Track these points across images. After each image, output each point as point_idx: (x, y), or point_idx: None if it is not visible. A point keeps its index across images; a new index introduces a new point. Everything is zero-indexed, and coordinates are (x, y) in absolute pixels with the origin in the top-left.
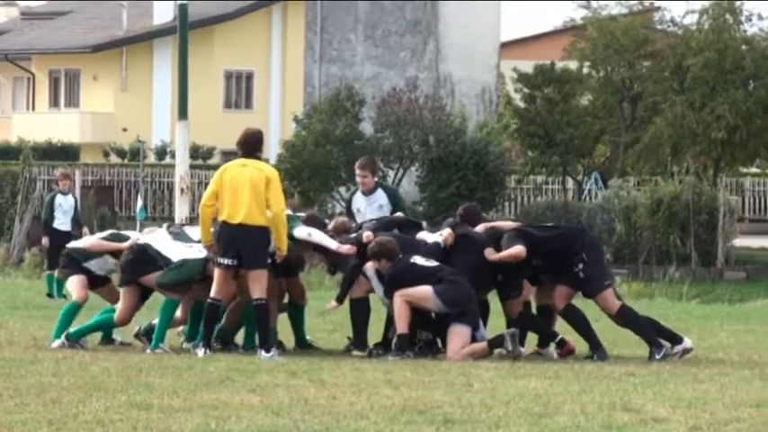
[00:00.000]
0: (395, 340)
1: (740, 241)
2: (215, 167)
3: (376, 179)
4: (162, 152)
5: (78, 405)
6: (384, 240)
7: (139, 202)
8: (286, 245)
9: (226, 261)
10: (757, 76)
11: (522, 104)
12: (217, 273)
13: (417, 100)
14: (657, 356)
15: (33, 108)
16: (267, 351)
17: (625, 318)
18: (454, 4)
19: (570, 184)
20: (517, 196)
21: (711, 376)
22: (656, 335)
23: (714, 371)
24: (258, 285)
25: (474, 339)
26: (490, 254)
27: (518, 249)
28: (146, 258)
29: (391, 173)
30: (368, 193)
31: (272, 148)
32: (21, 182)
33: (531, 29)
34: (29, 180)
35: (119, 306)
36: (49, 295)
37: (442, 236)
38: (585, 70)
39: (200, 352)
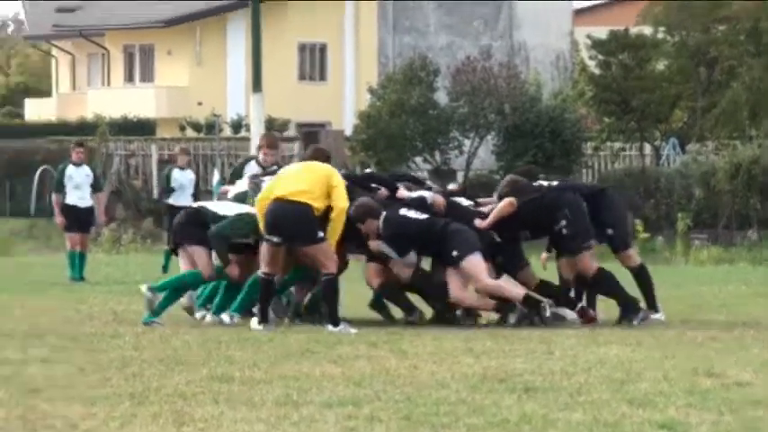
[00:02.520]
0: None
1: None
2: (291, 140)
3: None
4: (237, 125)
5: (160, 378)
6: (361, 202)
7: (216, 176)
8: (337, 239)
9: (273, 238)
10: None
11: (596, 71)
12: (265, 247)
13: (492, 68)
14: (635, 322)
15: (108, 84)
16: (335, 325)
17: (599, 282)
18: None
19: (647, 149)
20: (594, 163)
21: None
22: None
23: None
24: (323, 259)
25: None
26: (480, 223)
27: (505, 202)
28: (199, 221)
29: (467, 142)
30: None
31: (348, 119)
32: (98, 157)
33: None
34: (106, 156)
35: (199, 267)
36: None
37: (429, 196)
38: (660, 35)
39: (256, 325)
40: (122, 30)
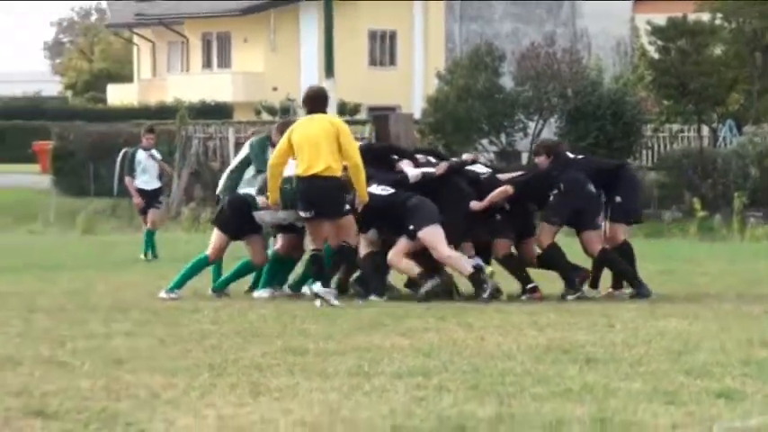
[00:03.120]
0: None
1: None
2: (362, 122)
3: None
4: None
5: (237, 351)
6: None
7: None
8: (366, 191)
9: (307, 214)
10: None
11: (656, 56)
12: (308, 226)
13: (555, 54)
14: (570, 297)
15: (187, 70)
16: (324, 287)
17: (549, 255)
18: None
19: (705, 131)
20: (654, 144)
21: None
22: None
23: None
24: (346, 232)
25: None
26: (475, 205)
27: (500, 190)
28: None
29: (531, 124)
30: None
31: (417, 103)
32: (177, 140)
33: None
34: (185, 138)
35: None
36: None
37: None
38: (717, 22)
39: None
40: (201, 18)
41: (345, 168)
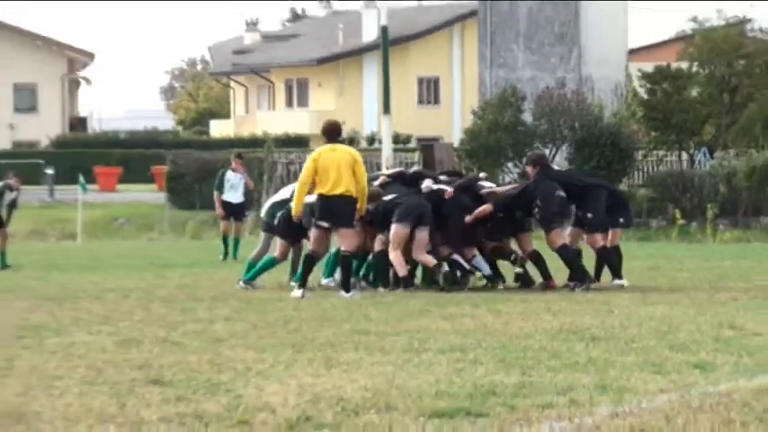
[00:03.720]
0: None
1: None
2: (412, 150)
3: None
4: (371, 139)
5: (314, 332)
6: (371, 189)
7: None
8: (365, 207)
9: (324, 224)
10: None
11: (645, 96)
12: (316, 232)
13: (565, 95)
14: (577, 289)
15: (273, 108)
16: (347, 291)
17: (534, 256)
18: (592, 19)
19: (684, 156)
20: (644, 167)
21: None
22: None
23: None
24: (348, 240)
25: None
26: (468, 218)
27: (483, 208)
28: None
29: (547, 151)
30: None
31: (456, 134)
32: (265, 165)
33: (651, 39)
34: (271, 163)
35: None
36: None
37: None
38: (694, 69)
39: (349, 295)
40: (284, 67)
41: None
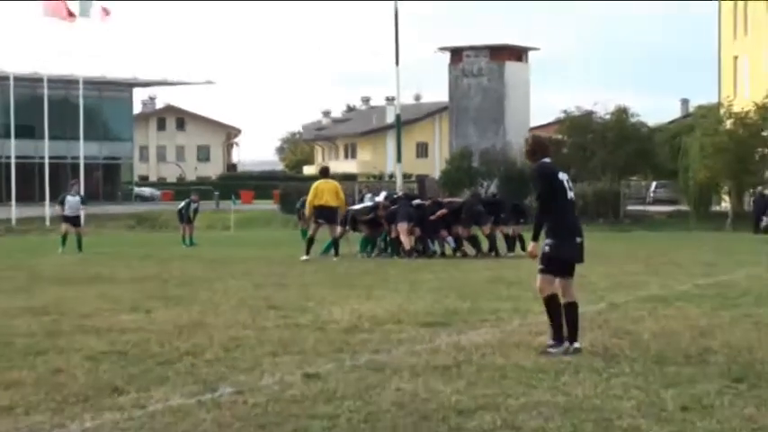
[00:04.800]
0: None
1: None
2: (413, 181)
3: None
4: (390, 176)
5: (358, 280)
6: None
7: (378, 197)
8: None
9: (322, 221)
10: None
11: None
12: (315, 226)
13: (496, 151)
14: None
15: (337, 159)
16: (336, 256)
17: (472, 239)
18: (510, 110)
19: None
20: None
21: None
22: None
23: None
24: (333, 230)
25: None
26: (433, 217)
27: (442, 211)
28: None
29: (486, 182)
30: None
31: (437, 174)
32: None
33: (542, 120)
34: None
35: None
36: None
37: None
38: (565, 138)
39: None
40: (343, 137)
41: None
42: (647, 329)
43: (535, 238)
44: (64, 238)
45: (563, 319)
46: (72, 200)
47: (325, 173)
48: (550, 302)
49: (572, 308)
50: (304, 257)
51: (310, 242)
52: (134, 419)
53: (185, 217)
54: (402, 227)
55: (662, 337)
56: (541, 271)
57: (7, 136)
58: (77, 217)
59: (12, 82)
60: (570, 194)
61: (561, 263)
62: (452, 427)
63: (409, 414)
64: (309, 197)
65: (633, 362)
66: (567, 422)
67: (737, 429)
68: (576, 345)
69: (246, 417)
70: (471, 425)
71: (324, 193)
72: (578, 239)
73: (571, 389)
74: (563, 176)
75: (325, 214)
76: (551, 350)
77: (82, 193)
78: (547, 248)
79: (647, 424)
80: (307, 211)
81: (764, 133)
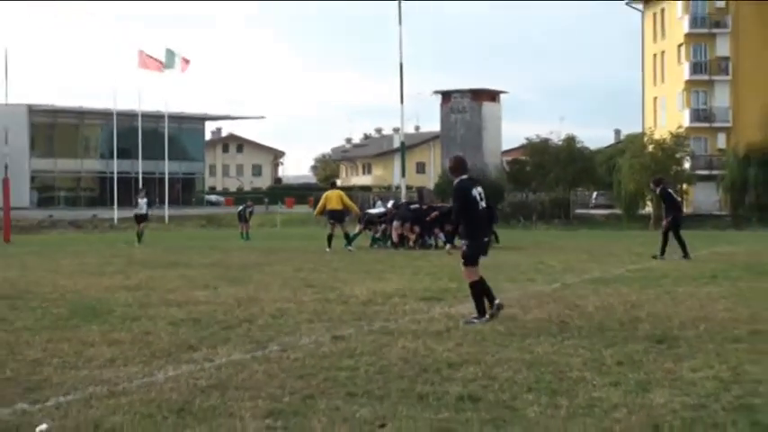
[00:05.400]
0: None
1: None
2: (413, 192)
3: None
4: (396, 187)
5: (373, 266)
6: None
7: (381, 205)
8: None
9: (333, 221)
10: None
11: (508, 170)
12: (330, 226)
13: (477, 170)
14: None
15: (357, 175)
16: (349, 245)
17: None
18: (487, 138)
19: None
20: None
21: None
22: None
23: None
24: (344, 229)
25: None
26: (428, 219)
27: (433, 215)
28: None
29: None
30: None
31: (432, 185)
32: (360, 201)
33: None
34: (361, 200)
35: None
36: None
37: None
38: (528, 159)
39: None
40: (361, 158)
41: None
42: (591, 303)
43: (451, 242)
44: (139, 235)
45: (484, 300)
46: (141, 201)
47: (333, 184)
48: (477, 286)
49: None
50: (327, 250)
51: (329, 239)
52: (205, 370)
53: (243, 217)
54: (395, 225)
55: (602, 310)
56: (465, 264)
57: (111, 157)
58: (145, 215)
59: (115, 117)
60: (482, 204)
61: (477, 257)
62: (444, 376)
63: (412, 367)
64: (322, 203)
65: (580, 328)
66: (531, 374)
67: (660, 379)
68: (497, 301)
69: (289, 368)
70: (458, 375)
71: (332, 199)
72: (486, 239)
73: (534, 348)
74: (476, 191)
75: (334, 215)
76: (475, 320)
77: (144, 198)
78: (465, 247)
79: (591, 375)
80: (316, 213)
81: (677, 155)
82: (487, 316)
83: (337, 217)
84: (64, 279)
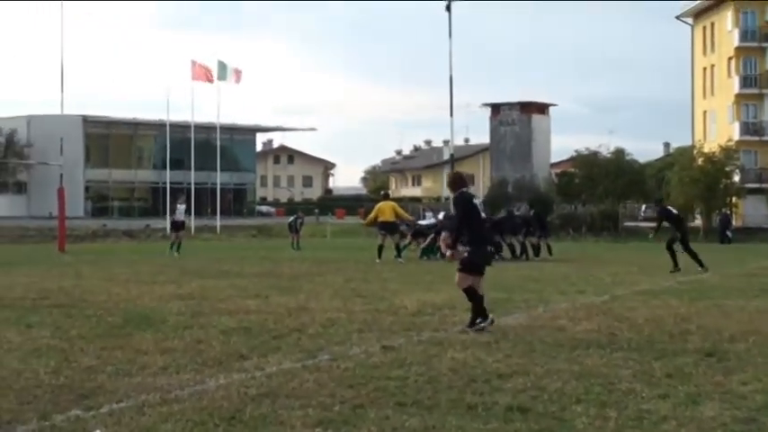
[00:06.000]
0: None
1: None
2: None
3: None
4: (446, 199)
5: (421, 277)
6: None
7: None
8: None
9: (384, 232)
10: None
11: (556, 182)
12: (381, 237)
13: (525, 182)
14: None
15: (407, 186)
16: (399, 257)
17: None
18: (536, 149)
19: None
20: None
21: None
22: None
23: None
24: (394, 240)
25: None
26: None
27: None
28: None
29: (518, 203)
30: None
31: (480, 197)
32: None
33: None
34: (412, 211)
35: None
36: None
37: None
38: (577, 171)
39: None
40: (411, 170)
41: (398, 216)
42: (640, 315)
43: (454, 246)
44: (178, 245)
45: (482, 302)
46: (180, 207)
47: (386, 196)
48: (470, 291)
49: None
50: (377, 261)
51: (380, 249)
52: (255, 379)
53: (294, 228)
54: (444, 236)
55: (652, 322)
56: (460, 270)
57: (164, 167)
58: (183, 222)
59: (168, 128)
60: (482, 215)
61: (477, 265)
62: (493, 387)
63: (461, 377)
64: (374, 214)
65: (630, 340)
66: (580, 385)
67: (710, 392)
68: (487, 320)
69: (339, 378)
70: (507, 386)
71: (385, 211)
72: (488, 248)
73: (583, 359)
74: (476, 201)
75: (387, 227)
76: (482, 324)
77: (183, 205)
78: (466, 254)
79: (641, 387)
80: (366, 222)
81: (727, 168)
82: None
83: (389, 228)
84: (118, 288)
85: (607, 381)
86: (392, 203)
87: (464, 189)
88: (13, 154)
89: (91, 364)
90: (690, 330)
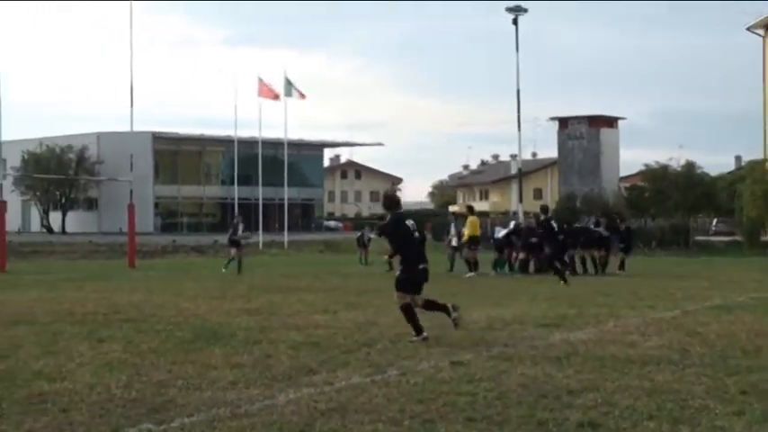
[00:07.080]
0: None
1: None
2: (531, 217)
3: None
4: (514, 213)
5: (488, 292)
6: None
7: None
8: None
9: (474, 247)
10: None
11: (626, 195)
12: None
13: (594, 195)
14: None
15: (475, 200)
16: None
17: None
18: (605, 164)
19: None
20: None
21: None
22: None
23: None
24: (467, 257)
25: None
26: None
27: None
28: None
29: (587, 217)
30: None
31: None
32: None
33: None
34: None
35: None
36: None
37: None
38: (646, 185)
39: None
40: (479, 184)
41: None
42: (712, 331)
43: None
44: (236, 260)
45: (417, 319)
46: (240, 226)
47: (471, 209)
48: (407, 309)
49: (426, 305)
50: (469, 275)
51: (476, 264)
52: (324, 393)
53: (361, 243)
54: (521, 252)
55: (724, 337)
56: (397, 289)
57: (232, 183)
58: (238, 241)
59: (236, 144)
60: (415, 235)
61: (410, 283)
62: (564, 403)
63: (531, 393)
64: (472, 230)
65: (702, 356)
66: (652, 401)
67: None
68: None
69: (408, 393)
70: (578, 402)
71: (476, 226)
72: (421, 266)
73: (654, 375)
74: (409, 222)
75: (477, 242)
76: (414, 338)
77: (241, 225)
78: (398, 273)
79: (714, 403)
80: (465, 237)
81: None
82: (425, 335)
83: (477, 242)
84: (187, 303)
85: (679, 397)
86: (475, 218)
87: (398, 210)
88: (83, 171)
89: (161, 379)
90: (764, 346)
